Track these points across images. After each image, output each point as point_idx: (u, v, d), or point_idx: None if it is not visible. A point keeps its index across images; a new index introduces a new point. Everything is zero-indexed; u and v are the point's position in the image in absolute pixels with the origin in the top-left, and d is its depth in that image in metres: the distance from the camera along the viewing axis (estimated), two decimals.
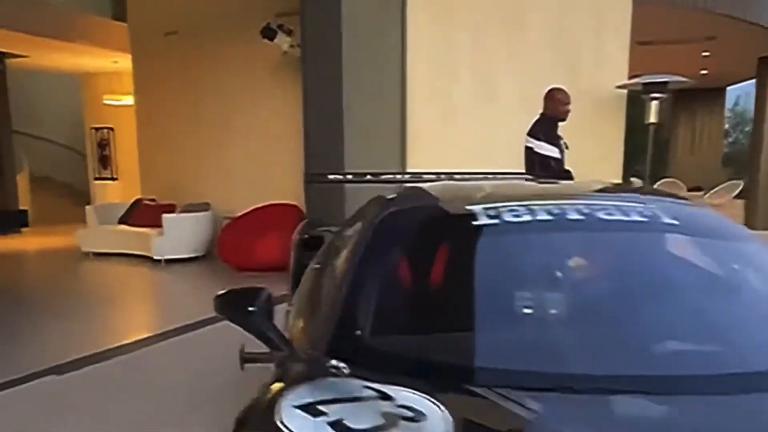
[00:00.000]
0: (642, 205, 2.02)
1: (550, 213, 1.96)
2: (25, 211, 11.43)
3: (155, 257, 7.57)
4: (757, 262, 1.98)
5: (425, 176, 4.04)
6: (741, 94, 23.25)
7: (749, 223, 12.02)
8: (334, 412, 1.25)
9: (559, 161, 4.92)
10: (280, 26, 6.99)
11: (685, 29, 9.98)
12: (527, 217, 1.94)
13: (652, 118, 7.12)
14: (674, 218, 1.98)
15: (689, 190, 15.12)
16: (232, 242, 7.09)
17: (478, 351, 1.64)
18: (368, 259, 1.94)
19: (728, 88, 16.67)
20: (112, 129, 12.31)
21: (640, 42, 10.71)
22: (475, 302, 1.82)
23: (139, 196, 9.14)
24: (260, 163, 8.06)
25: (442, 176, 4.53)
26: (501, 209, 1.97)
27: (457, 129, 7.50)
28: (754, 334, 1.73)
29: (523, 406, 1.30)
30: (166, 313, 5.88)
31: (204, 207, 7.93)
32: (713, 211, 2.22)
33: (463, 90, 7.60)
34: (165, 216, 7.55)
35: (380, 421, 1.23)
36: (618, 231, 1.94)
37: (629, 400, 1.39)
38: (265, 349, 1.76)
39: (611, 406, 1.39)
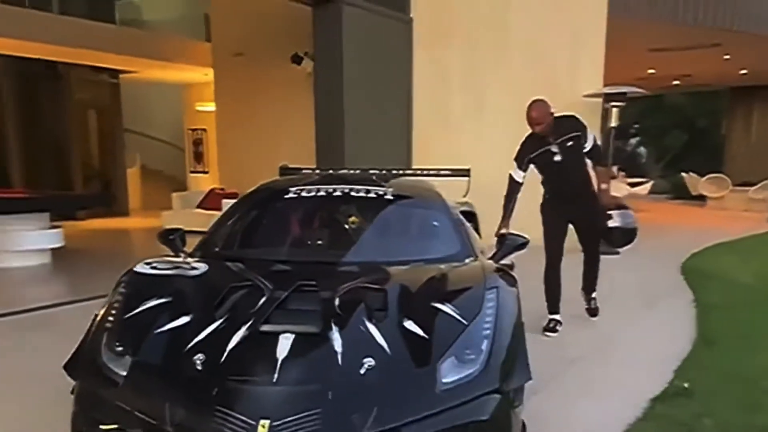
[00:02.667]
0: (380, 188, 3.72)
1: (326, 191, 3.71)
2: (108, 194, 13.56)
3: None
4: (428, 217, 3.65)
5: (372, 171, 5.45)
6: None
7: None
8: (155, 263, 3.05)
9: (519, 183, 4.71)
10: (305, 53, 8.88)
11: (689, 38, 10.83)
12: (313, 193, 3.70)
13: (613, 122, 8.28)
14: (393, 196, 3.66)
15: (737, 185, 15.62)
16: None
17: (260, 252, 3.46)
18: (230, 211, 3.79)
19: None
20: (204, 130, 14.78)
21: (651, 49, 11.72)
22: (273, 233, 3.66)
23: (213, 186, 11.43)
24: (300, 160, 10.01)
25: (393, 172, 5.87)
26: (302, 189, 3.74)
27: (452, 137, 9.08)
28: (403, 246, 3.43)
29: (245, 268, 3.08)
30: None
31: None
32: (432, 195, 3.87)
33: (457, 104, 9.17)
34: (224, 201, 9.67)
35: (172, 266, 3.03)
36: (358, 200, 3.66)
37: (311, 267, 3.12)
38: None
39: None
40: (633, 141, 31.08)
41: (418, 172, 6.53)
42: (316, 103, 8.08)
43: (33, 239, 7.23)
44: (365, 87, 8.25)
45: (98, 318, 2.68)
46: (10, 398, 3.48)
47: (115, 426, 2.28)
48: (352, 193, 3.68)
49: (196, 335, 2.46)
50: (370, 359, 2.32)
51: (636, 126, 28.91)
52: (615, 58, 9.67)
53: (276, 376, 2.24)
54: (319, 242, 3.61)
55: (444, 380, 2.29)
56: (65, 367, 2.55)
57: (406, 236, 3.64)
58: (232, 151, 11.67)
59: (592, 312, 5.11)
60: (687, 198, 16.83)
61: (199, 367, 2.32)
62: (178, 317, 2.57)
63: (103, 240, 10.54)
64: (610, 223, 4.58)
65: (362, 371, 2.28)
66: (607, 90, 8.21)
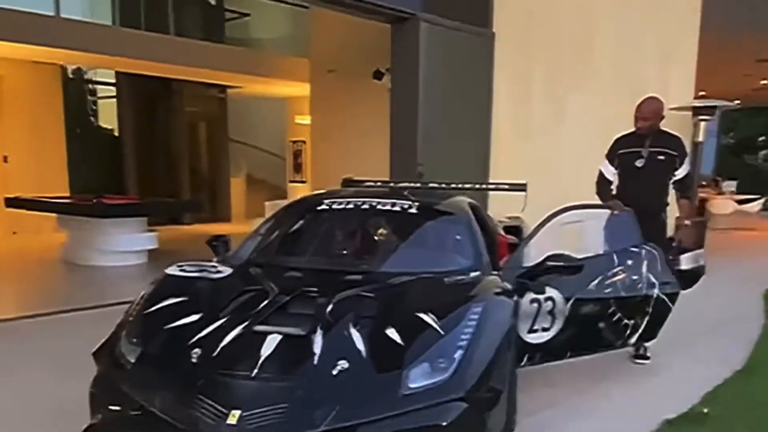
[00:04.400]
0: (404, 201, 3.88)
1: (354, 204, 3.93)
2: (197, 201, 13.44)
3: None
4: (447, 230, 3.76)
5: (431, 185, 5.60)
6: None
7: None
8: (186, 266, 3.38)
9: (610, 180, 4.81)
10: (387, 69, 9.14)
11: None
12: (342, 206, 3.94)
13: (700, 138, 7.91)
14: (415, 210, 3.82)
15: None
16: None
17: (282, 259, 3.71)
18: (267, 220, 4.08)
19: None
20: (304, 142, 15.45)
21: (759, 60, 11.08)
22: (297, 242, 3.91)
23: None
24: (382, 172, 10.30)
25: (453, 186, 5.86)
26: (334, 201, 3.98)
27: (532, 147, 9.01)
28: (413, 258, 3.57)
29: (261, 273, 3.34)
30: None
31: None
32: (457, 210, 3.96)
33: (537, 119, 9.08)
34: None
35: (199, 269, 3.34)
36: (382, 213, 3.85)
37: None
38: None
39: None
40: (761, 154, 29.12)
41: (476, 186, 6.66)
42: (391, 118, 8.31)
43: (128, 241, 7.98)
44: (442, 101, 8.34)
45: (126, 313, 3.04)
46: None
47: (119, 408, 2.59)
48: (378, 207, 3.87)
49: (200, 332, 2.74)
50: (344, 362, 2.49)
51: (762, 138, 27.05)
52: (718, 72, 9.25)
53: (255, 371, 2.47)
54: (342, 252, 3.84)
55: (411, 385, 2.43)
56: (94, 354, 2.91)
57: (419, 249, 3.78)
58: (322, 162, 12.17)
59: (638, 357, 4.45)
60: None
61: (195, 360, 2.59)
62: (188, 315, 2.87)
63: (197, 243, 11.25)
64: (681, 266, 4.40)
65: (335, 372, 2.46)
66: (696, 103, 7.89)
